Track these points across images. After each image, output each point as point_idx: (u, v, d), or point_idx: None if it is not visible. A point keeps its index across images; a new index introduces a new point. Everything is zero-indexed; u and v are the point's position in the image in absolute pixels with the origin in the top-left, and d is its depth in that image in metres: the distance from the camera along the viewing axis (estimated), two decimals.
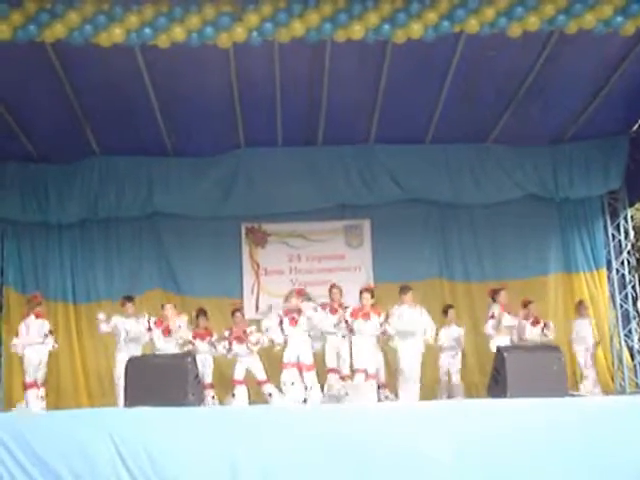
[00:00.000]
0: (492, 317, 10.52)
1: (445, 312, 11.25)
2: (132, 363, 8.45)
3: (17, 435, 7.26)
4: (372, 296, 10.00)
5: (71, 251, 12.54)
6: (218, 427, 7.41)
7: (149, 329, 10.17)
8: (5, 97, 10.28)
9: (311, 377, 9.64)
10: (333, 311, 10.27)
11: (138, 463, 7.15)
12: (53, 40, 8.10)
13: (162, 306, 10.55)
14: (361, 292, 10.08)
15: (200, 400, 8.62)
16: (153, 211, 12.40)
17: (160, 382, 8.06)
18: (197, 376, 8.53)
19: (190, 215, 12.35)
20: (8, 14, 7.78)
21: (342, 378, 10.14)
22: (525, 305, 10.99)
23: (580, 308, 11.85)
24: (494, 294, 10.71)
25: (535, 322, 10.87)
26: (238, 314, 10.78)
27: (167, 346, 10.03)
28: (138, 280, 12.52)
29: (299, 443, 7.26)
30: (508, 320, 10.44)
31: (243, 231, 12.81)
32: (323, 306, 10.29)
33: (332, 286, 10.67)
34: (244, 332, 10.28)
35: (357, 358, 9.88)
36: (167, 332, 10.08)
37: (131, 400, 8.05)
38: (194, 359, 8.60)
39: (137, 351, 10.27)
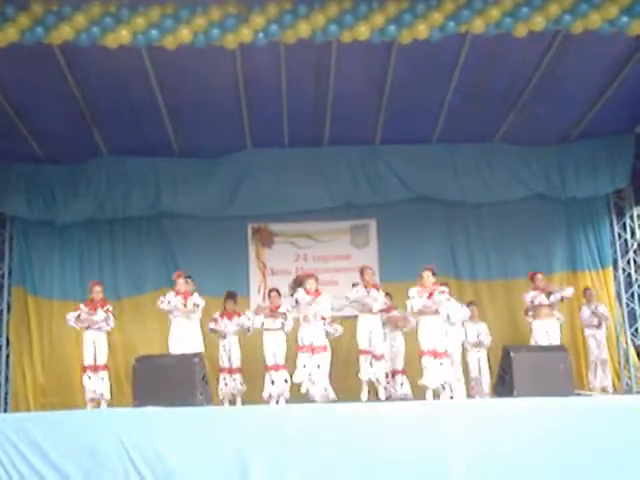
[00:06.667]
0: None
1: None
2: (140, 363, 8.49)
3: (27, 435, 7.33)
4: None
5: (78, 251, 12.62)
6: (227, 427, 7.45)
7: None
8: (13, 99, 10.31)
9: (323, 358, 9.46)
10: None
11: (147, 463, 7.22)
12: (60, 42, 8.14)
13: (175, 282, 10.21)
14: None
15: (208, 400, 8.65)
16: (160, 211, 12.45)
17: (168, 382, 8.13)
18: (205, 376, 8.56)
19: (197, 215, 12.39)
20: (15, 16, 7.83)
21: (375, 358, 9.77)
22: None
23: (587, 294, 11.79)
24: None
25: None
26: (274, 293, 10.65)
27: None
28: (144, 280, 12.60)
29: (309, 442, 7.31)
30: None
31: (250, 231, 12.85)
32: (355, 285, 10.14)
33: (364, 267, 10.19)
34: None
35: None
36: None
37: (140, 400, 8.10)
38: (202, 359, 8.62)
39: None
